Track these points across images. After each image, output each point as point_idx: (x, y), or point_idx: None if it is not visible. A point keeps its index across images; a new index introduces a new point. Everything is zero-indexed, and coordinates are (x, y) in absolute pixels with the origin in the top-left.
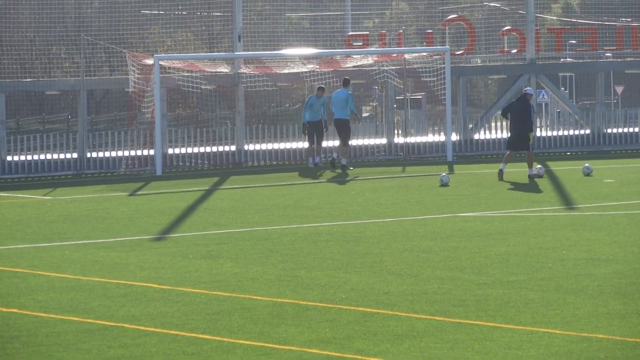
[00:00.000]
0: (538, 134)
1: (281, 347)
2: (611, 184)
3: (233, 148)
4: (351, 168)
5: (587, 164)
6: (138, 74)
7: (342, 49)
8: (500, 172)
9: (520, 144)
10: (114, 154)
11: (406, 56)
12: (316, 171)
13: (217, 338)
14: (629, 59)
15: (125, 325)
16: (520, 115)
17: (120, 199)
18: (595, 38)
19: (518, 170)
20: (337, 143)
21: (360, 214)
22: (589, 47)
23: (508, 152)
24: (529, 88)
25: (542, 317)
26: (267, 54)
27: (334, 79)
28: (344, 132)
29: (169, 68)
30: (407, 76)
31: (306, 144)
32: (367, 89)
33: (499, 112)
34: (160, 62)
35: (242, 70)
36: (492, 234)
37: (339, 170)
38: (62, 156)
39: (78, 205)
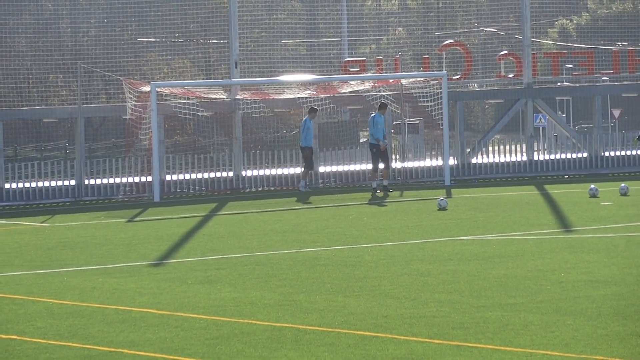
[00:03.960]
0: (535, 157)
1: None
2: (609, 207)
3: (231, 174)
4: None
5: (592, 185)
6: (135, 101)
7: (338, 74)
8: None
9: None
10: (111, 180)
11: (403, 81)
12: (314, 195)
13: None
14: (625, 83)
15: (124, 350)
16: None
17: (119, 226)
18: (591, 62)
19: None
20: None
21: (359, 239)
22: (585, 71)
23: None
24: None
25: (541, 339)
26: (264, 81)
27: (331, 105)
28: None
29: (166, 95)
30: (404, 101)
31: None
32: (365, 115)
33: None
34: (158, 89)
35: (239, 97)
36: (490, 257)
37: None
38: (60, 183)
39: (76, 231)
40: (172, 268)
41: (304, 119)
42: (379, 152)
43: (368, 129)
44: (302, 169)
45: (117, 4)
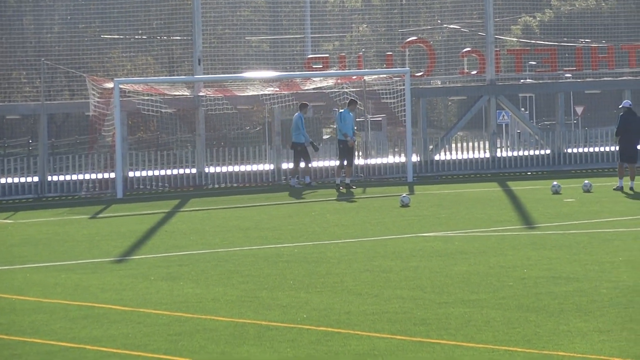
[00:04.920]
0: (498, 154)
1: None
2: (571, 203)
3: (194, 171)
4: (341, 188)
5: (555, 182)
6: (98, 97)
7: (302, 71)
8: (621, 189)
9: (636, 155)
10: (74, 177)
11: (366, 78)
12: (277, 192)
13: (179, 359)
14: (588, 80)
15: (87, 346)
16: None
17: (81, 222)
18: (554, 59)
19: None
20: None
21: (321, 235)
22: (548, 68)
23: (622, 165)
24: (628, 101)
25: (504, 335)
26: (227, 77)
27: (295, 102)
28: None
29: (129, 92)
30: (367, 98)
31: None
32: (327, 111)
33: (615, 133)
34: (121, 86)
35: (202, 93)
36: (452, 254)
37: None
38: (22, 180)
39: (39, 228)
40: (135, 264)
41: (296, 114)
42: (345, 148)
43: (335, 125)
44: (304, 165)
45: (80, 1)
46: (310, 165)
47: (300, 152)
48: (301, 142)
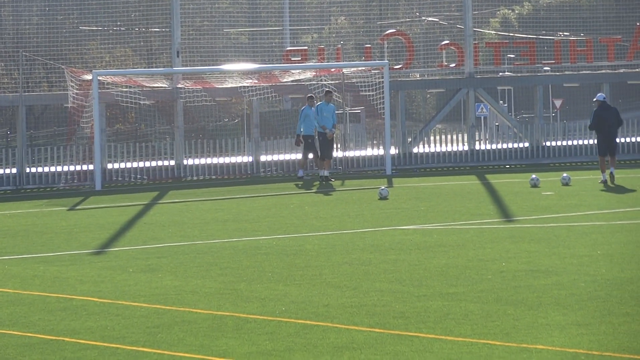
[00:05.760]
0: (477, 147)
1: (221, 359)
2: (550, 197)
3: (172, 163)
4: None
5: (534, 175)
6: (77, 89)
7: (280, 63)
8: (605, 182)
9: (615, 148)
10: (53, 169)
11: (345, 71)
12: (256, 184)
13: (157, 351)
14: (567, 73)
15: (65, 339)
16: (617, 121)
17: (60, 214)
18: (533, 52)
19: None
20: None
21: (300, 228)
22: (527, 61)
23: (602, 159)
24: (602, 94)
25: (482, 328)
26: (206, 69)
27: (273, 94)
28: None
29: (108, 83)
30: (345, 90)
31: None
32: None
33: (588, 126)
34: (99, 78)
35: (180, 85)
36: (431, 247)
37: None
38: (1, 171)
39: (17, 220)
40: (113, 256)
41: (303, 107)
42: (325, 141)
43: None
44: (301, 157)
45: None
46: (308, 159)
47: (311, 144)
48: (311, 135)
